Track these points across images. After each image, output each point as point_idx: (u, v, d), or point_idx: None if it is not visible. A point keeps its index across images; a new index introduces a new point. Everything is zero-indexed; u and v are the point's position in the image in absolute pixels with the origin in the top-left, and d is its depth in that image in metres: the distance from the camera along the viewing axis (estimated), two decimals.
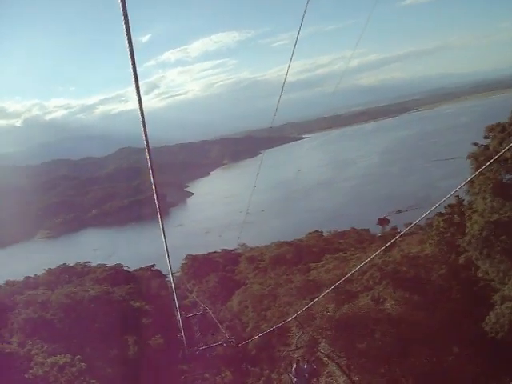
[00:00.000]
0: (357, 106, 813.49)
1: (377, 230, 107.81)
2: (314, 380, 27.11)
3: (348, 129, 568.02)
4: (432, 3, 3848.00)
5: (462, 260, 30.44)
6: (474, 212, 31.58)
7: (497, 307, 26.96)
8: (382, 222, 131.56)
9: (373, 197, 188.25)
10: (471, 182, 29.82)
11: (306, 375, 24.96)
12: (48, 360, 33.15)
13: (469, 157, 32.26)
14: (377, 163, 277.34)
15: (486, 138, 33.00)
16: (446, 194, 11.53)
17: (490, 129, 32.14)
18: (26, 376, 32.14)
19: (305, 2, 11.88)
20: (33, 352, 36.18)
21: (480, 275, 29.49)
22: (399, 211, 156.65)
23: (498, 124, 32.06)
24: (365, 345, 29.53)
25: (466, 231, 31.00)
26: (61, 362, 32.67)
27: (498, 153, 20.16)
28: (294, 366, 25.22)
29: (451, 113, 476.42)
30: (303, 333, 31.03)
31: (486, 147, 32.17)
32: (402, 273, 35.01)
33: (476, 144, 33.16)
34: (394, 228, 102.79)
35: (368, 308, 31.13)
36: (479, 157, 30.89)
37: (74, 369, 32.07)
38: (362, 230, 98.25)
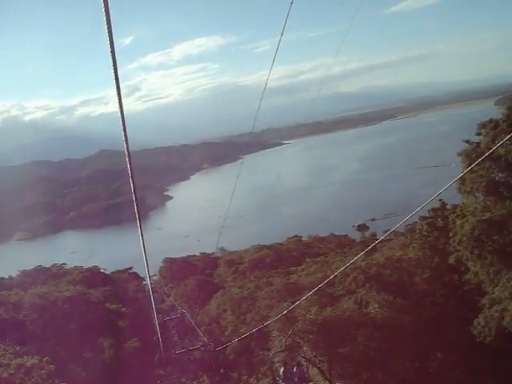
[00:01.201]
0: (338, 113, 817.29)
1: (356, 236, 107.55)
2: None
3: (329, 135, 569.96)
4: (416, 12, 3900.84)
5: (451, 260, 29.80)
6: (457, 216, 31.06)
7: (485, 310, 26.37)
8: (362, 228, 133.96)
9: (353, 203, 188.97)
10: (462, 180, 29.21)
11: (296, 379, 23.20)
12: (14, 361, 31.71)
13: (460, 154, 31.60)
14: (357, 170, 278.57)
15: (478, 134, 32.39)
16: (425, 201, 11.01)
17: (483, 125, 31.46)
18: None
19: (287, 9, 11.81)
20: None
21: (469, 277, 28.93)
22: (373, 219, 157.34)
23: (491, 120, 31.41)
24: (347, 349, 28.89)
25: (450, 234, 30.50)
26: (28, 364, 31.22)
27: (490, 150, 19.57)
28: (282, 369, 23.50)
29: (433, 121, 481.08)
30: (284, 337, 30.17)
31: (478, 144, 31.53)
32: (385, 276, 34.45)
33: (467, 141, 32.50)
34: (374, 234, 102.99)
35: (351, 311, 30.55)
36: (471, 154, 30.23)
37: (43, 371, 30.70)
38: (341, 235, 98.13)
